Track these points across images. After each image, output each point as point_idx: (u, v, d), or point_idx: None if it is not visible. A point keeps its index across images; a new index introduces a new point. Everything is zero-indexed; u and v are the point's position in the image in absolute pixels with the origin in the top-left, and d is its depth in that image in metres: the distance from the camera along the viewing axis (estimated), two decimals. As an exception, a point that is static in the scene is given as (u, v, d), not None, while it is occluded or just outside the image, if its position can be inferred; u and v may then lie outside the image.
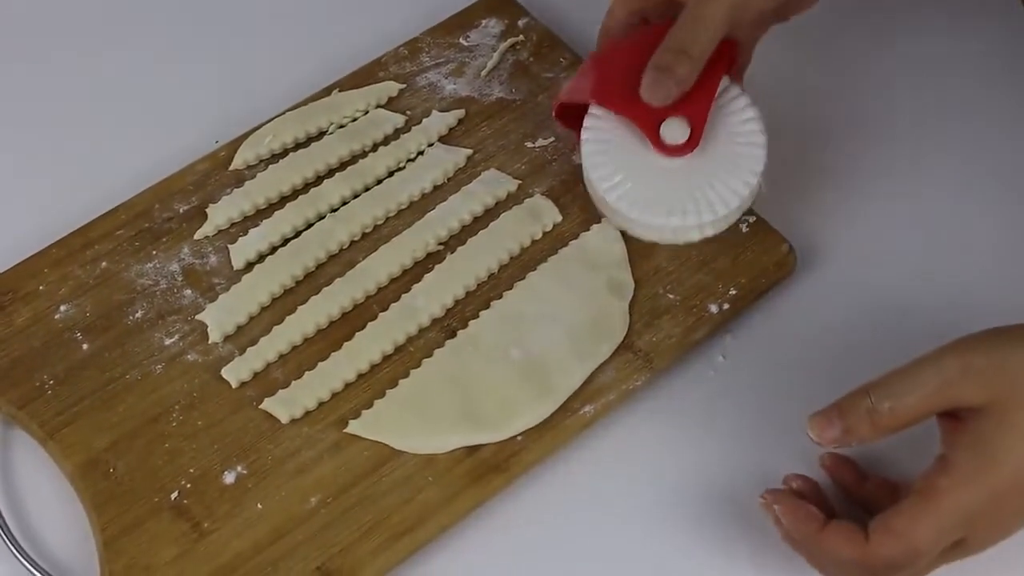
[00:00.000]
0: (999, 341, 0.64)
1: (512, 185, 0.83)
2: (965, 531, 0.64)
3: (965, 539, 0.65)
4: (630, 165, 0.74)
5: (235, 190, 0.82)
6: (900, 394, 0.64)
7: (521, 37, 0.89)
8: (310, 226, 0.81)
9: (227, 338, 0.77)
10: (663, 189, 0.74)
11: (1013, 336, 0.64)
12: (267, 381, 0.76)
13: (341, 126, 0.85)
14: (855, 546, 0.64)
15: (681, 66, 0.72)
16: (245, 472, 0.73)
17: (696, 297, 0.79)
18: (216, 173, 0.84)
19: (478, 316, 0.77)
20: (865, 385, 0.65)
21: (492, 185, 0.82)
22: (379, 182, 0.83)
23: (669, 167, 0.74)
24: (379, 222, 0.82)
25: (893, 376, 0.65)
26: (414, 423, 0.74)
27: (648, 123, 0.73)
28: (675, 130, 0.73)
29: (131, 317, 0.78)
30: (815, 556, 0.67)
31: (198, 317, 0.78)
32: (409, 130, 0.85)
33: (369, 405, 0.75)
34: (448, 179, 0.83)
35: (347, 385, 0.75)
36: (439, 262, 0.80)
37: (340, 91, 0.86)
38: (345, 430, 0.74)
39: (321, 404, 0.75)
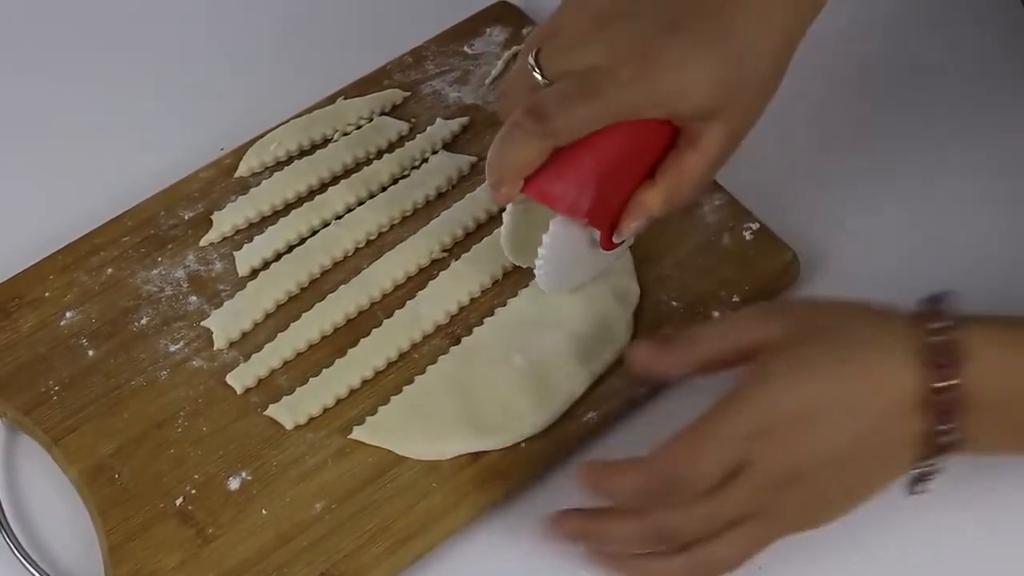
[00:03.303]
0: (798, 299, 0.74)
1: (516, 192, 0.83)
2: (748, 450, 0.64)
3: (749, 460, 0.64)
4: (564, 248, 0.74)
5: (240, 197, 0.83)
6: (710, 326, 0.71)
7: (525, 45, 0.89)
8: (315, 233, 0.81)
9: (232, 344, 0.77)
10: (574, 270, 0.76)
11: (811, 298, 0.74)
12: (272, 387, 0.76)
13: (346, 133, 0.85)
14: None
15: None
16: (250, 478, 0.73)
17: (700, 304, 0.79)
18: (221, 180, 0.84)
19: (482, 323, 0.78)
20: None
21: (496, 192, 0.82)
22: (384, 189, 0.83)
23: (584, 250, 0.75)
24: (384, 229, 0.82)
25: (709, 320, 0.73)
26: (418, 429, 0.74)
27: (610, 230, 0.73)
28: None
29: (136, 323, 0.78)
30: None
31: (203, 324, 0.78)
32: (414, 137, 0.85)
33: (373, 411, 0.75)
34: (452, 186, 0.84)
35: (352, 391, 0.76)
36: (443, 269, 0.80)
37: (345, 99, 0.87)
38: (349, 436, 0.74)
39: (326, 410, 0.75)
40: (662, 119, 0.69)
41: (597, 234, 0.72)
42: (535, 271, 0.75)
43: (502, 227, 0.76)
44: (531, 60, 0.69)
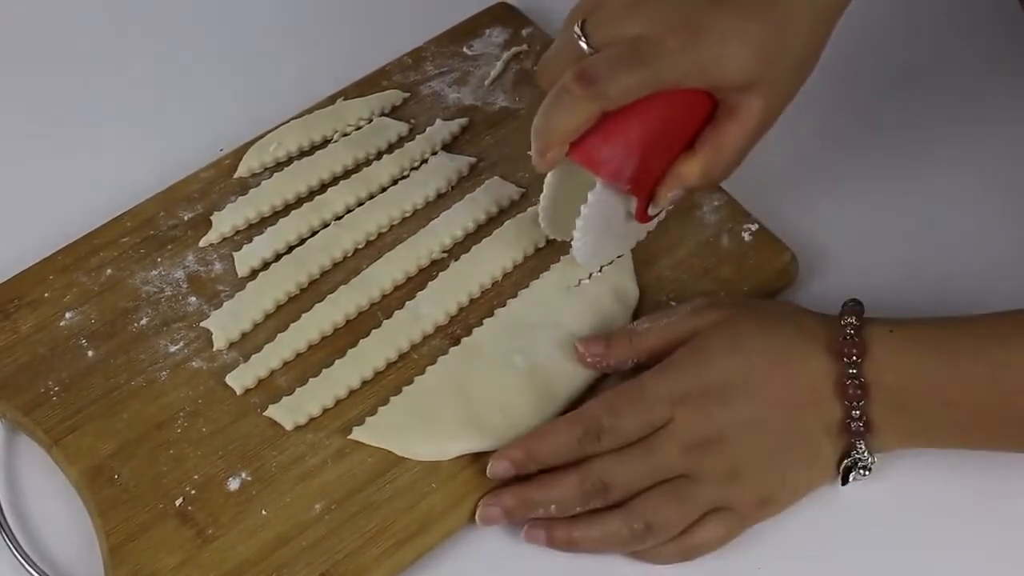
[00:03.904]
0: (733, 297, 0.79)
1: (515, 193, 0.83)
2: (672, 411, 0.71)
3: (672, 420, 0.71)
4: (602, 217, 0.75)
5: (240, 198, 0.83)
6: (655, 319, 0.75)
7: (525, 46, 0.89)
8: (314, 234, 0.81)
9: (232, 345, 0.77)
10: (608, 242, 0.77)
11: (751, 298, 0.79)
12: (271, 388, 0.76)
13: (345, 134, 0.86)
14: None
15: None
16: (249, 479, 0.73)
17: (699, 305, 0.79)
18: (221, 181, 0.84)
19: (482, 323, 0.78)
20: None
21: (496, 193, 0.83)
22: (383, 190, 0.83)
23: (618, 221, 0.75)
24: (383, 230, 0.82)
25: (653, 312, 0.76)
26: (418, 430, 0.74)
27: (647, 200, 0.73)
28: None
29: (136, 324, 0.78)
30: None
31: (203, 324, 0.78)
32: (413, 138, 0.85)
33: (373, 412, 0.75)
34: (452, 187, 0.84)
35: (351, 392, 0.76)
36: (443, 269, 0.80)
37: (345, 99, 0.87)
38: (349, 437, 0.74)
39: (325, 411, 0.75)
40: (703, 90, 0.70)
41: (633, 205, 0.73)
42: (572, 241, 0.75)
43: (541, 198, 0.76)
44: (578, 29, 0.70)
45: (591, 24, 0.70)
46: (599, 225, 0.74)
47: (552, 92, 0.70)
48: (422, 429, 0.74)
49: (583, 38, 0.70)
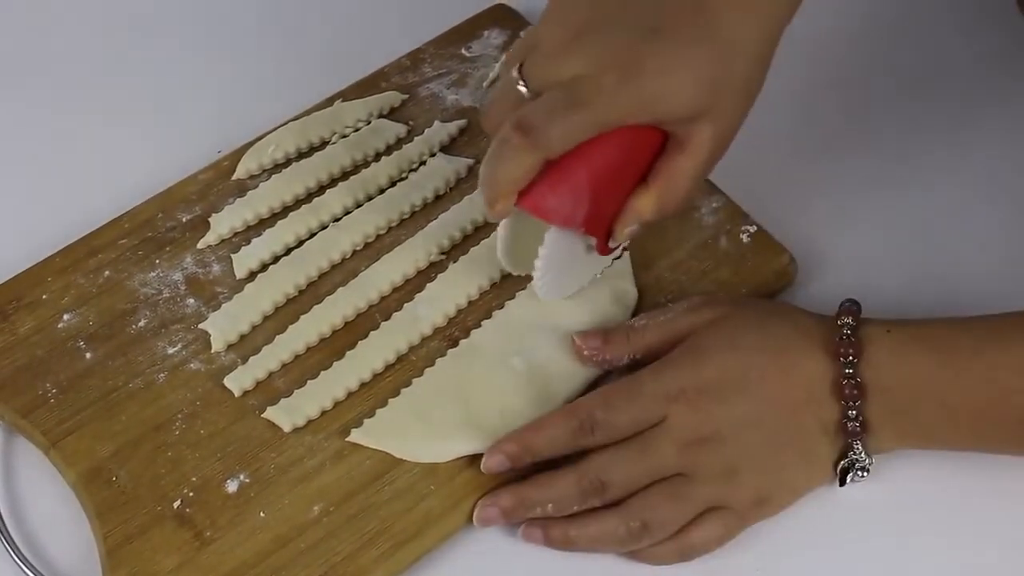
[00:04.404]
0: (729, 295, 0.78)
1: (514, 195, 0.83)
2: (667, 408, 0.71)
3: (667, 417, 0.71)
4: (561, 256, 0.74)
5: (238, 199, 0.83)
6: (653, 316, 0.75)
7: (523, 48, 0.89)
8: (312, 235, 0.81)
9: (230, 347, 0.77)
10: (572, 276, 0.76)
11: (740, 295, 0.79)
12: (270, 390, 0.76)
13: (343, 136, 0.85)
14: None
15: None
16: (248, 481, 0.73)
17: (697, 306, 0.79)
18: (219, 183, 0.84)
19: (480, 325, 0.78)
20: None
21: (494, 195, 0.82)
22: (381, 191, 0.83)
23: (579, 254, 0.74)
24: (381, 231, 0.82)
25: (651, 310, 0.77)
26: (416, 432, 0.74)
27: (606, 236, 0.72)
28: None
29: (134, 326, 0.78)
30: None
31: (201, 326, 0.78)
32: (411, 140, 0.85)
33: (371, 413, 0.75)
34: (450, 188, 0.84)
35: (349, 393, 0.76)
36: (441, 271, 0.80)
37: (343, 101, 0.87)
38: (347, 439, 0.74)
39: (323, 412, 0.75)
40: (650, 125, 0.69)
41: (593, 240, 0.72)
42: (533, 281, 0.75)
43: (498, 240, 0.76)
44: (515, 73, 0.69)
45: (528, 67, 0.68)
46: (559, 262, 0.73)
47: (494, 142, 0.69)
48: (420, 431, 0.74)
49: (521, 82, 0.68)
